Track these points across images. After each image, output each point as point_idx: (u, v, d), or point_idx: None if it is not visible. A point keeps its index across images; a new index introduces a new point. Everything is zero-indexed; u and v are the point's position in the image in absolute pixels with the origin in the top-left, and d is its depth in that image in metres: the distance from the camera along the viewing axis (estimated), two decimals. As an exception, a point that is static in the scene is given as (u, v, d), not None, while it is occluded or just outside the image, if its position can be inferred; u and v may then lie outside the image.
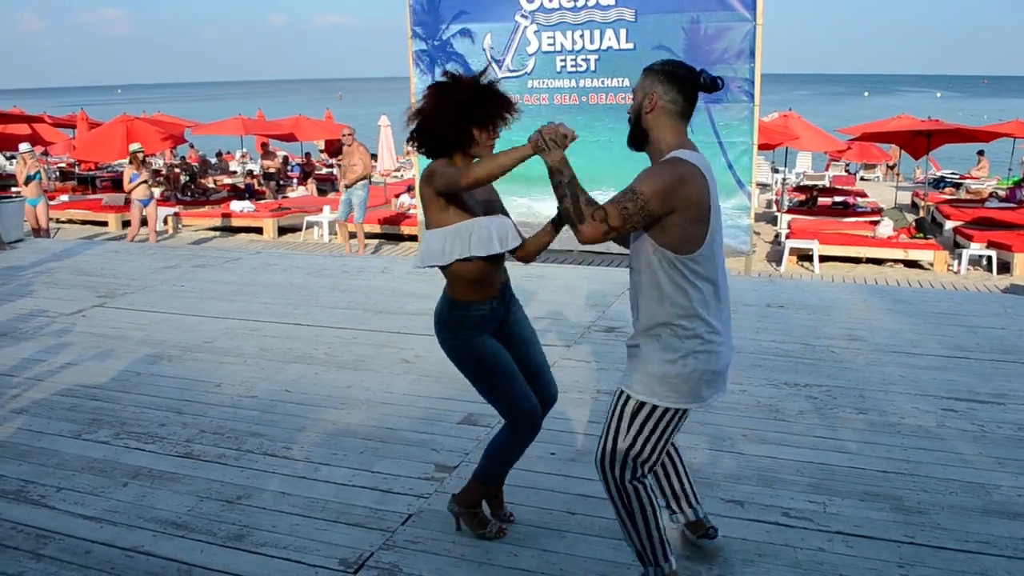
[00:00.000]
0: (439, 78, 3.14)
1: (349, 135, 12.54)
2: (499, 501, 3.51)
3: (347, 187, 12.46)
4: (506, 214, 3.20)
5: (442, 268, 3.09)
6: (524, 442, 3.23)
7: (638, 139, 2.80)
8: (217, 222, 16.53)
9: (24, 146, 13.58)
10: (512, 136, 3.07)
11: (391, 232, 15.26)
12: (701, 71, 2.73)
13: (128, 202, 17.31)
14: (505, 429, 3.25)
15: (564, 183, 2.67)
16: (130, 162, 13.32)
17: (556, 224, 3.08)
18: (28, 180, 13.08)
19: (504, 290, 3.22)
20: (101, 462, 4.17)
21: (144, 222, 13.12)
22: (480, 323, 3.13)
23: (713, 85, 2.72)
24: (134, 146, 13.71)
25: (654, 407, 2.74)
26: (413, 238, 13.13)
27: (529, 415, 3.18)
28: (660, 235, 2.66)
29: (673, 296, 2.69)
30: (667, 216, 2.61)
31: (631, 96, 2.88)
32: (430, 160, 3.10)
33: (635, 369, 2.78)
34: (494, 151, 3.02)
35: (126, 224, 16.65)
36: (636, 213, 2.59)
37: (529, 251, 3.20)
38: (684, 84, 2.70)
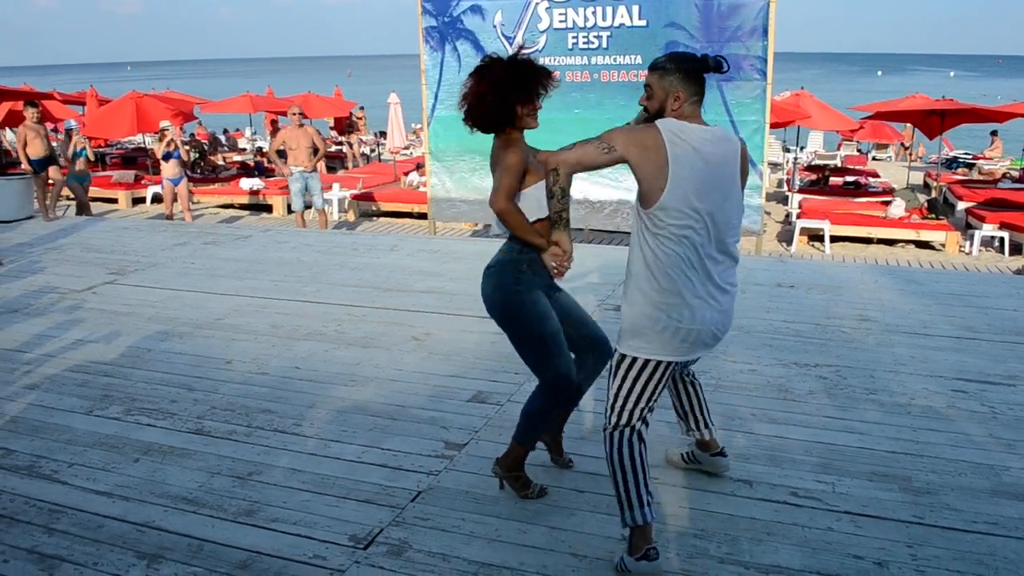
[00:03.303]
0: (479, 61, 3.34)
1: (296, 115, 11.56)
2: (559, 447, 3.77)
3: (301, 172, 11.37)
4: None
5: None
6: (555, 403, 3.38)
7: None
8: (227, 199, 16.54)
9: (70, 122, 13.42)
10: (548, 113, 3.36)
11: (402, 210, 15.25)
12: (704, 57, 2.95)
13: (139, 179, 17.37)
14: (536, 390, 3.37)
15: (561, 216, 3.14)
16: (160, 139, 13.22)
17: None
18: (75, 157, 12.91)
19: None
20: (112, 438, 4.20)
21: (175, 200, 13.09)
22: (542, 269, 3.29)
23: (719, 66, 2.93)
24: (164, 123, 13.62)
25: (633, 359, 2.96)
26: (423, 216, 13.12)
27: (562, 378, 3.31)
28: (638, 188, 2.90)
29: (644, 250, 2.90)
30: (630, 166, 2.86)
31: (644, 74, 3.11)
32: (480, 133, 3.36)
33: (622, 324, 3.01)
34: (536, 120, 3.28)
35: (136, 201, 16.70)
36: (595, 143, 2.88)
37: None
38: (699, 77, 2.94)
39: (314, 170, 11.59)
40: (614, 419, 3.02)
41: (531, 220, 3.26)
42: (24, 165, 11.31)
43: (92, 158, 13.54)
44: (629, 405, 2.99)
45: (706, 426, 3.56)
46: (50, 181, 11.78)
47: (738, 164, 2.99)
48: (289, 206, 14.63)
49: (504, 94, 3.17)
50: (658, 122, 2.91)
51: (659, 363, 2.96)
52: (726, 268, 2.98)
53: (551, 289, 3.43)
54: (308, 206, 11.89)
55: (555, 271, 3.22)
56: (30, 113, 11.81)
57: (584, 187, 9.63)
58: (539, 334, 3.29)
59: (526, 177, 3.24)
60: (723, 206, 2.90)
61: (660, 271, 2.87)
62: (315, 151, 11.50)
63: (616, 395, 3.01)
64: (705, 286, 2.91)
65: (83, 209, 13.18)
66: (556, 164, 2.93)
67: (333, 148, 23.66)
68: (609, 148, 2.86)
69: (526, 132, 3.34)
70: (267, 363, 5.24)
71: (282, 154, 11.63)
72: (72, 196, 13.49)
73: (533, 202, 3.25)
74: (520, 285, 3.29)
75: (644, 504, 2.94)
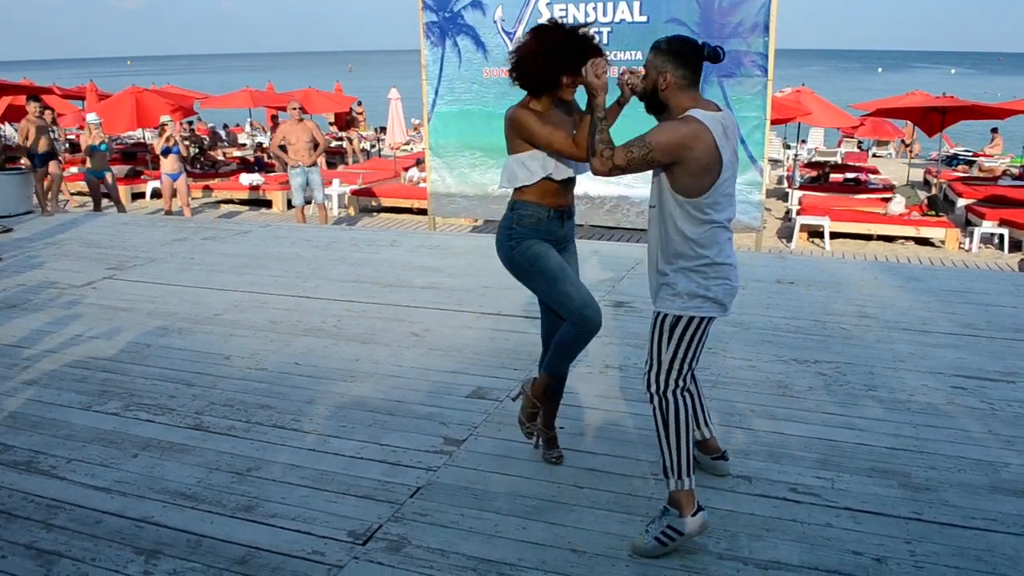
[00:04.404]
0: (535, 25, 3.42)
1: (295, 110, 11.52)
2: (554, 442, 3.83)
3: (302, 167, 11.39)
4: None
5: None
6: (583, 336, 3.47)
7: (656, 109, 3.14)
8: (227, 195, 16.53)
9: (91, 116, 13.07)
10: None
11: (402, 206, 15.22)
12: (703, 44, 3.05)
13: (138, 174, 17.34)
14: (567, 325, 3.48)
15: (596, 118, 3.08)
16: (160, 133, 13.12)
17: (620, 104, 3.34)
18: (92, 151, 12.59)
19: (564, 212, 3.50)
20: (111, 433, 4.19)
21: (174, 195, 13.00)
22: (535, 225, 3.42)
23: (715, 56, 3.03)
24: (164, 117, 13.54)
25: (690, 319, 3.09)
26: (423, 212, 13.12)
27: (586, 309, 3.43)
28: (673, 180, 3.01)
29: (689, 232, 3.03)
30: (674, 166, 2.96)
31: (641, 69, 3.18)
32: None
33: (668, 294, 3.12)
34: (573, 95, 3.37)
35: (136, 196, 16.68)
36: (640, 159, 2.97)
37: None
38: (691, 59, 3.04)
39: (314, 165, 11.57)
40: (673, 380, 3.14)
41: (534, 180, 3.35)
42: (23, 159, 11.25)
43: (110, 154, 13.18)
44: (685, 365, 3.15)
45: (706, 424, 3.58)
46: (48, 176, 11.72)
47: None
48: (289, 201, 14.61)
49: (555, 58, 3.24)
50: (695, 114, 2.97)
51: (709, 320, 3.14)
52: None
53: (557, 245, 3.52)
54: (308, 201, 11.87)
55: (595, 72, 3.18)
56: (33, 107, 11.77)
57: (583, 184, 9.60)
58: (541, 274, 3.43)
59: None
60: (733, 187, 3.15)
61: (706, 249, 3.04)
62: (315, 146, 11.50)
63: (673, 358, 3.13)
64: (733, 253, 3.18)
65: (98, 204, 12.99)
66: (606, 165, 3.04)
67: (333, 144, 23.62)
68: (654, 161, 2.97)
69: None
70: (266, 359, 5.24)
71: (283, 149, 11.63)
72: (88, 191, 13.26)
73: (539, 162, 3.34)
74: (512, 240, 3.43)
75: (692, 467, 3.12)
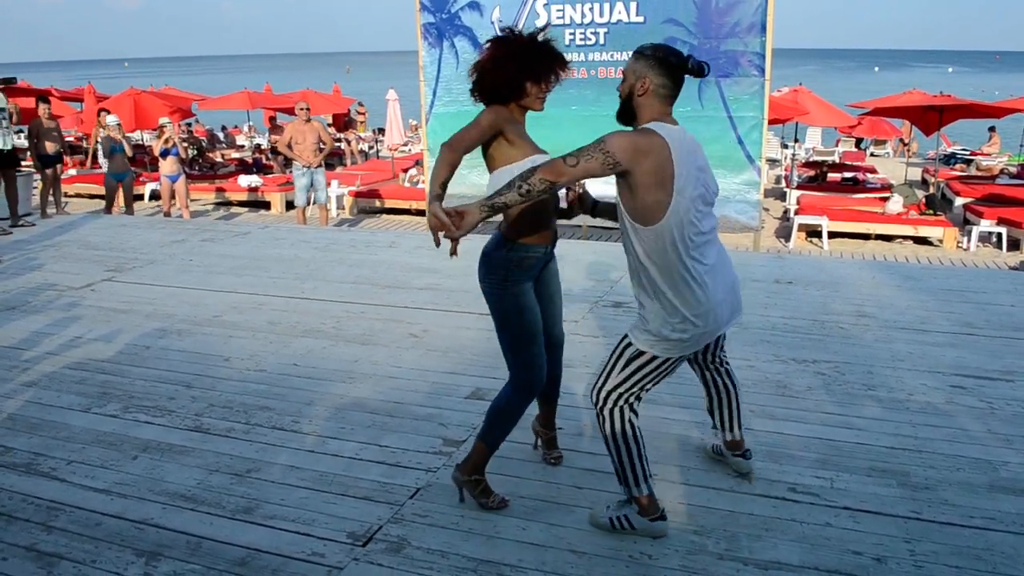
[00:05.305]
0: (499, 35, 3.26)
1: (304, 110, 11.45)
2: (553, 443, 3.81)
3: (308, 168, 11.39)
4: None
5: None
6: (523, 405, 3.34)
7: (627, 116, 3.00)
8: (225, 196, 16.52)
9: (111, 118, 12.88)
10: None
11: (400, 207, 15.22)
12: (689, 56, 2.92)
13: (137, 176, 17.29)
14: (506, 388, 3.34)
15: (498, 204, 2.84)
16: (158, 135, 13.06)
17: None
18: (112, 152, 12.36)
19: (554, 241, 3.38)
20: (111, 435, 4.19)
21: (173, 196, 12.90)
22: (532, 267, 3.26)
23: (699, 71, 2.89)
24: (163, 119, 13.47)
25: (654, 356, 3.02)
26: (421, 213, 13.12)
27: (535, 382, 3.31)
28: (627, 202, 2.87)
29: (651, 265, 2.89)
30: (629, 176, 2.79)
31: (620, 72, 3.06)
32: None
33: (642, 325, 3.02)
34: (542, 104, 3.23)
35: (135, 198, 16.62)
36: (600, 159, 2.75)
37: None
38: (674, 70, 2.90)
39: (320, 165, 11.59)
40: (613, 399, 3.11)
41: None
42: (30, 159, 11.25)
43: (131, 154, 12.93)
44: (634, 389, 3.10)
45: (730, 429, 3.59)
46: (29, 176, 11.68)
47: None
48: (289, 203, 14.60)
49: (520, 66, 3.11)
50: (655, 127, 2.83)
51: (674, 359, 3.05)
52: (723, 265, 3.04)
53: (544, 270, 3.40)
54: (309, 202, 11.87)
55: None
56: (42, 109, 11.77)
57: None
58: (515, 329, 3.27)
59: (512, 150, 3.18)
60: (711, 211, 2.99)
61: (672, 283, 2.89)
62: (321, 147, 11.50)
63: (623, 383, 3.08)
64: (724, 285, 3.00)
65: (110, 208, 12.83)
66: (556, 177, 2.76)
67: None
68: (615, 163, 2.75)
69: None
70: (265, 360, 5.24)
71: (290, 148, 11.61)
72: (105, 194, 13.07)
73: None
74: (507, 283, 3.23)
75: (648, 476, 3.14)
